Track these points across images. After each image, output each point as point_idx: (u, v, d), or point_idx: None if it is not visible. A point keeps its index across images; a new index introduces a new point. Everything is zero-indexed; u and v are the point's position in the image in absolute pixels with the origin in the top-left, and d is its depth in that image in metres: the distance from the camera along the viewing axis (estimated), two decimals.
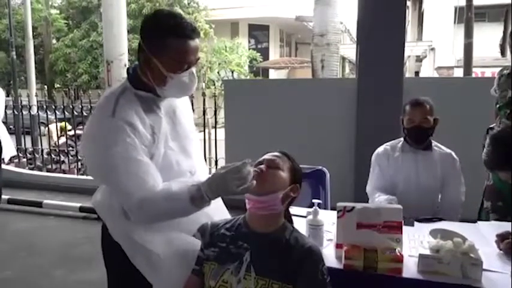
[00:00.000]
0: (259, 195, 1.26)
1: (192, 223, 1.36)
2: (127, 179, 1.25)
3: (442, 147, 2.25)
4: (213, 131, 5.12)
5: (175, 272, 1.35)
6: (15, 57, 9.20)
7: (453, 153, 2.23)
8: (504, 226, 1.80)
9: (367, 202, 2.23)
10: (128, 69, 1.40)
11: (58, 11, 16.85)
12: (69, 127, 6.46)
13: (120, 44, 6.37)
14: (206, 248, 1.32)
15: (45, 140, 6.38)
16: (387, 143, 2.33)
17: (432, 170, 2.16)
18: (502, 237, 1.58)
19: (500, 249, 1.56)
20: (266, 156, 1.33)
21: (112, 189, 1.36)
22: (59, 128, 6.04)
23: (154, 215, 1.29)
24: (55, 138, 6.41)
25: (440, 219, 1.94)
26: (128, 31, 7.33)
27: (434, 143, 2.23)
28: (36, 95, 6.70)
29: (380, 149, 2.32)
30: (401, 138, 2.27)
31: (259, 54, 16.66)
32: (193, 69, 1.35)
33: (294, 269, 1.21)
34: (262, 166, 1.29)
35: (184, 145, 1.44)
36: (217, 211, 1.49)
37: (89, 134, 1.33)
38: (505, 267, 1.45)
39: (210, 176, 1.27)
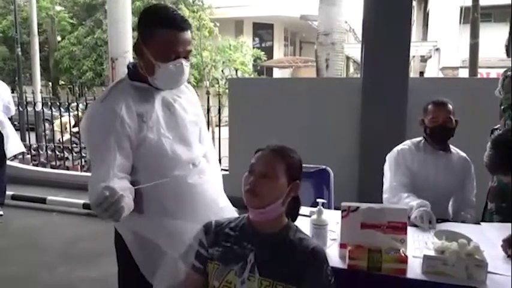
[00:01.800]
0: (258, 208, 1.25)
1: (201, 222, 1.37)
2: (94, 160, 1.38)
3: (458, 150, 2.24)
4: (217, 129, 5.12)
5: (175, 267, 1.37)
6: (20, 53, 9.24)
7: (467, 157, 2.23)
8: (508, 227, 1.80)
9: (381, 202, 2.17)
10: (128, 64, 1.47)
11: (64, 9, 16.90)
12: (72, 122, 6.45)
13: (125, 41, 6.38)
14: (210, 246, 1.31)
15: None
16: (406, 142, 2.26)
17: (451, 172, 2.15)
18: (508, 243, 1.56)
19: (508, 256, 1.54)
20: (257, 165, 1.26)
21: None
22: (63, 123, 6.06)
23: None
24: (58, 135, 6.43)
25: (446, 220, 1.93)
26: (133, 28, 7.33)
27: (451, 146, 2.22)
28: (41, 92, 6.72)
29: (401, 146, 2.24)
30: (421, 138, 2.23)
31: (263, 53, 16.61)
32: (183, 61, 1.37)
33: (298, 271, 1.21)
34: (251, 180, 1.24)
35: (182, 134, 1.46)
36: (225, 211, 1.50)
37: (84, 117, 1.45)
38: (510, 270, 1.44)
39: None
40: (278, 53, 19.26)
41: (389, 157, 2.24)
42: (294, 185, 1.28)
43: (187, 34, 1.35)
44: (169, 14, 1.34)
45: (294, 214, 1.35)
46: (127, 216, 1.25)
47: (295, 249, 1.24)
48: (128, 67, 1.45)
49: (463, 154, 2.23)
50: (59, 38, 16.61)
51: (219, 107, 4.99)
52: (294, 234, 1.27)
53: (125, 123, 1.33)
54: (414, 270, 1.43)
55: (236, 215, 1.48)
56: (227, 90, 4.64)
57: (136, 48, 1.39)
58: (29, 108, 6.00)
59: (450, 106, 2.14)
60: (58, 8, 16.65)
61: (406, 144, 2.26)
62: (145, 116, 1.37)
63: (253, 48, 17.09)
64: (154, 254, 1.40)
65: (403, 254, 1.43)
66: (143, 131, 1.36)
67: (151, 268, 1.41)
